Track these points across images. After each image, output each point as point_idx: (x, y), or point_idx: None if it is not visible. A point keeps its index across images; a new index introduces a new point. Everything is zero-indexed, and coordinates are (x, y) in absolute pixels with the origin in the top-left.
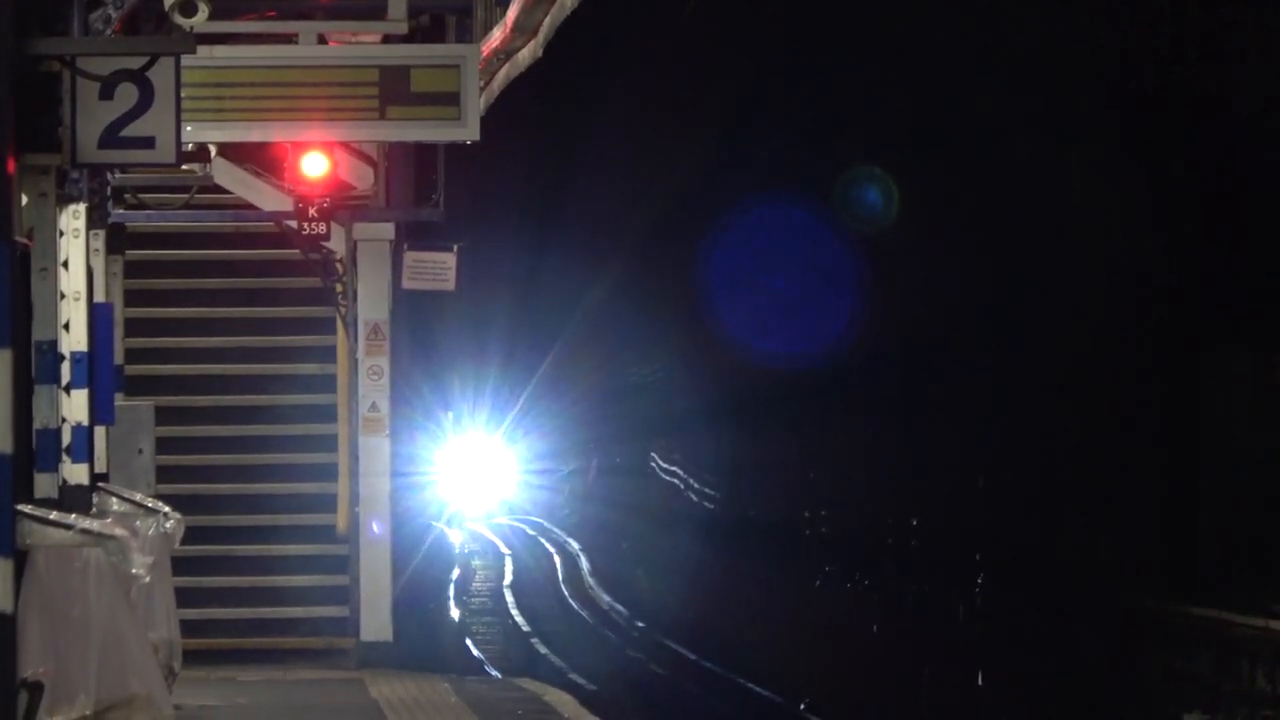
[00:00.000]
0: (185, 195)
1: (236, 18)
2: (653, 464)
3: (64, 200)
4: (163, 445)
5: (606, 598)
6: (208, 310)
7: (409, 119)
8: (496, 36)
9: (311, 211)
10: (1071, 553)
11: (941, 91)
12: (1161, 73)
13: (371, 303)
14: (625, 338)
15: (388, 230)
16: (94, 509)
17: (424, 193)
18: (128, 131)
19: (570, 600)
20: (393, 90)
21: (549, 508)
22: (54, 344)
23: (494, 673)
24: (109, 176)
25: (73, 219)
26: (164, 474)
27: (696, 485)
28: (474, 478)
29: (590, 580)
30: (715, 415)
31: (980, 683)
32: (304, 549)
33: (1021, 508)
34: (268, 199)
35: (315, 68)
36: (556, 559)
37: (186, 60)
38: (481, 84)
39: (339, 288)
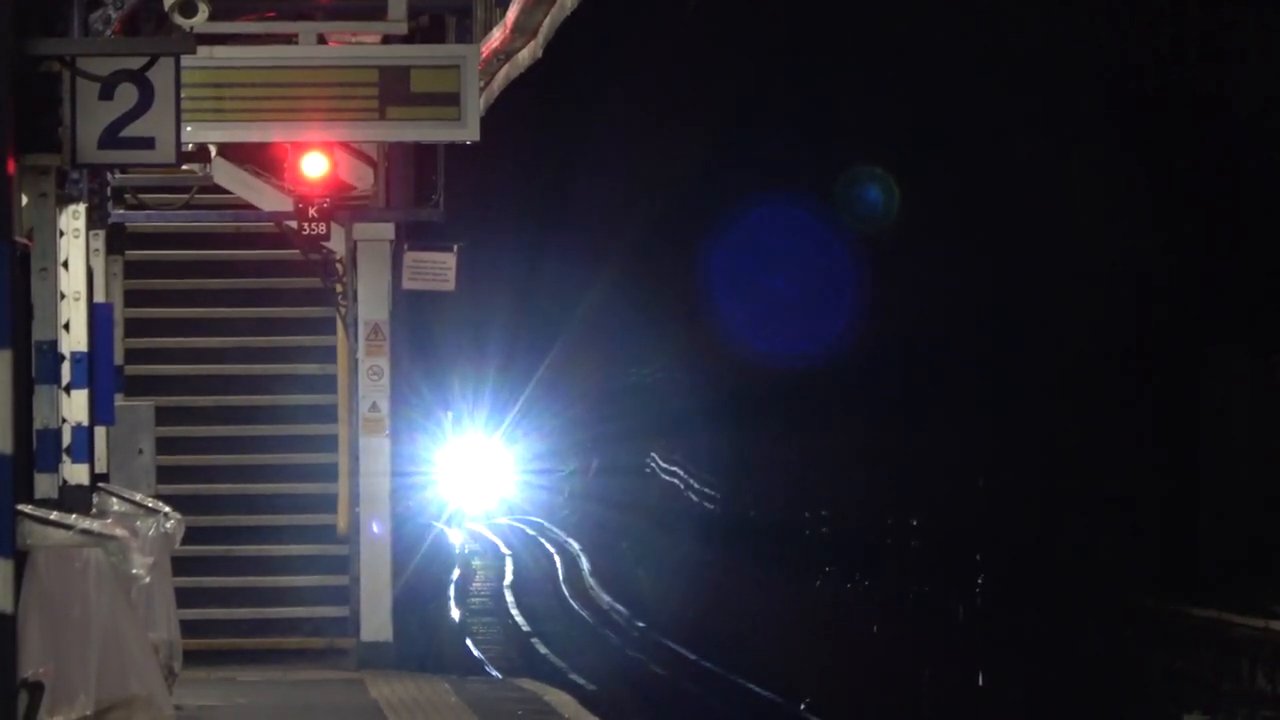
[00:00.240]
0: (185, 195)
1: (236, 18)
2: (653, 464)
3: (64, 200)
4: (163, 445)
5: (606, 598)
6: (208, 310)
7: (409, 119)
8: (496, 37)
9: (311, 212)
10: (1071, 553)
11: (941, 91)
12: (1161, 73)
13: (371, 303)
14: (625, 337)
15: (388, 230)
16: (94, 509)
17: (424, 193)
18: (128, 132)
19: (570, 600)
20: (392, 90)
21: (549, 508)
22: (54, 344)
23: (494, 673)
24: (109, 177)
25: (73, 219)
26: (164, 474)
27: (696, 485)
28: (474, 478)
29: (590, 580)
30: (715, 415)
31: (980, 683)
32: (304, 549)
33: (1021, 508)
34: (268, 199)
35: (315, 68)
36: (556, 559)
37: (186, 60)
38: (481, 84)
39: (339, 288)
